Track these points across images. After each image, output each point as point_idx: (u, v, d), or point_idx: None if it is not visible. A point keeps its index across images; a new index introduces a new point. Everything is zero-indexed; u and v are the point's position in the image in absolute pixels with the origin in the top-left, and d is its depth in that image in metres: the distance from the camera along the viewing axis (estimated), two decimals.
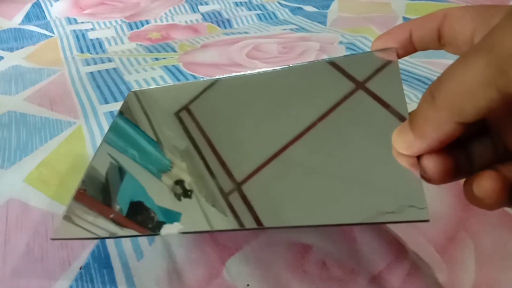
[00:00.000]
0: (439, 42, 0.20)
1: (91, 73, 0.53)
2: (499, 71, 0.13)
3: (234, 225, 0.21)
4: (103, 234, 0.22)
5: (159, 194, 0.23)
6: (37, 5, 0.81)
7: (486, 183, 0.17)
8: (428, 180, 0.18)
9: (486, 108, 0.14)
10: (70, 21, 0.74)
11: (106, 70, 0.54)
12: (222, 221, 0.21)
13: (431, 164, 0.17)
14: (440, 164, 0.17)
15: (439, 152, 0.17)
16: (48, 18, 0.76)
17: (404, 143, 0.18)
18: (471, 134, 0.19)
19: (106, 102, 0.45)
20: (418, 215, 0.17)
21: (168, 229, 0.21)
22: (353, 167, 0.20)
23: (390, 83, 0.22)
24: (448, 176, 0.18)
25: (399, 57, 0.21)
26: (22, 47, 0.63)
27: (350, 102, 0.23)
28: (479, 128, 0.19)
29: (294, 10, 0.77)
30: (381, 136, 0.20)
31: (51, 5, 0.81)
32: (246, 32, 0.66)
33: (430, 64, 0.50)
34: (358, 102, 0.22)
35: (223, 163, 0.23)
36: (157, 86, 0.33)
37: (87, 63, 0.56)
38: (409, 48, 0.21)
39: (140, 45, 0.63)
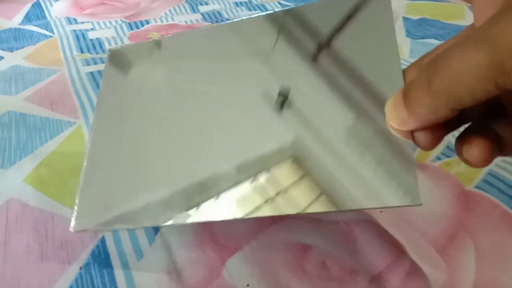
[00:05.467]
0: None
1: (91, 73, 0.53)
2: (500, 70, 0.13)
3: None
4: (108, 228, 0.24)
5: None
6: (37, 5, 0.81)
7: (474, 151, 0.17)
8: (421, 148, 0.18)
9: (483, 98, 0.15)
10: (70, 21, 0.74)
11: None
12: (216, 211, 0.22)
13: (423, 137, 0.18)
14: (432, 137, 0.18)
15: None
16: (48, 18, 0.76)
17: (398, 119, 0.18)
18: None
19: None
20: (411, 199, 0.17)
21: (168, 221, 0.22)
22: (348, 156, 0.21)
23: (381, 27, 0.21)
24: (440, 141, 0.18)
25: None
26: (22, 47, 0.63)
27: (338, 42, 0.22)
28: None
29: None
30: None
31: (51, 5, 0.81)
32: None
33: None
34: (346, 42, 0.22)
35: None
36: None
37: (87, 63, 0.56)
38: None
39: None
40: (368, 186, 0.19)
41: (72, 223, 0.24)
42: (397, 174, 0.18)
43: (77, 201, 0.25)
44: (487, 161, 0.18)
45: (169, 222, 0.22)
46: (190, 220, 0.22)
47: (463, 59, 0.14)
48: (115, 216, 0.24)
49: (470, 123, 0.19)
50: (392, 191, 0.18)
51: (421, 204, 0.17)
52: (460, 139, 0.18)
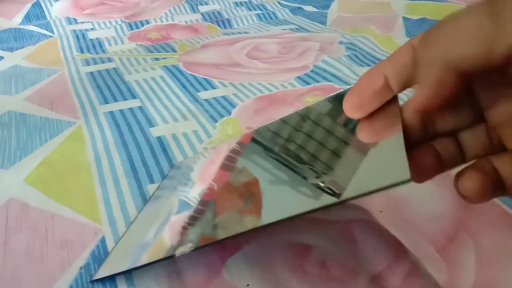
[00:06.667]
0: None
1: (91, 73, 0.53)
2: (497, 25, 0.14)
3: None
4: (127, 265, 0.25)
5: None
6: (37, 5, 0.81)
7: (468, 183, 0.17)
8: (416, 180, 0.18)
9: (480, 55, 0.14)
10: (70, 21, 0.74)
11: (106, 70, 0.54)
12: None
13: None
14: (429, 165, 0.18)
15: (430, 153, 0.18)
16: (48, 18, 0.76)
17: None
18: (464, 125, 0.19)
19: (106, 102, 0.45)
20: (399, 176, 0.16)
21: (182, 249, 0.23)
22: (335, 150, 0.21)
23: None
24: (434, 174, 0.19)
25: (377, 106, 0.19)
26: (22, 47, 0.63)
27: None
28: (472, 117, 0.19)
29: (294, 10, 0.77)
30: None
31: (51, 5, 0.81)
32: (246, 32, 0.66)
33: None
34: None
35: None
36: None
37: (87, 63, 0.56)
38: (387, 94, 0.19)
39: (140, 45, 0.63)
40: (352, 175, 0.19)
41: (96, 274, 0.25)
42: (384, 157, 0.18)
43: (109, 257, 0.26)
44: (483, 195, 0.17)
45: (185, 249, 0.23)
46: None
47: (459, 21, 0.15)
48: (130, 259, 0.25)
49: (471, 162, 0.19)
50: (379, 173, 0.17)
51: (410, 180, 0.15)
52: (458, 174, 0.18)
